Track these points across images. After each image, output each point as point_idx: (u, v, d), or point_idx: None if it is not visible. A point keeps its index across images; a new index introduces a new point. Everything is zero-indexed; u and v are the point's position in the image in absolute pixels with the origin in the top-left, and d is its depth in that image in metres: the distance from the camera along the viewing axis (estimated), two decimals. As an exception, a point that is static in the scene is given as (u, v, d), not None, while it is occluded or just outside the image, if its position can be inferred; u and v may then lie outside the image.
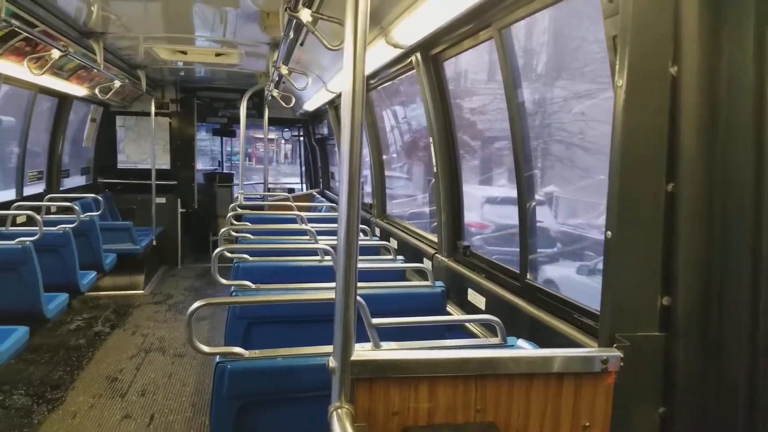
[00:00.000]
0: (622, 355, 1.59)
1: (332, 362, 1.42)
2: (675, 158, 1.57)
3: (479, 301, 3.11)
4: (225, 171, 11.97)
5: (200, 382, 4.94)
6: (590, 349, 1.84)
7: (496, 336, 2.34)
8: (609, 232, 1.63)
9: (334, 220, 5.66)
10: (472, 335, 3.03)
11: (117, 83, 6.06)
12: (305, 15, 3.06)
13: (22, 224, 5.45)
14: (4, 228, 5.10)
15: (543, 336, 2.43)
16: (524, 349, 2.25)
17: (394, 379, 1.51)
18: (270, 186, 9.70)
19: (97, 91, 6.22)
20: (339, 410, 1.37)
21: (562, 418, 1.60)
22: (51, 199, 6.19)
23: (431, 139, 3.78)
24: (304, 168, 10.97)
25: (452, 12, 2.59)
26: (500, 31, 2.73)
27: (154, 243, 8.14)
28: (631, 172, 1.59)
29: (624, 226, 1.61)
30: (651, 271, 1.62)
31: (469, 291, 3.23)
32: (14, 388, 4.63)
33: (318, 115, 8.96)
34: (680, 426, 1.61)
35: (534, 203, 2.93)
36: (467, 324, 3.08)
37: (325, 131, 8.98)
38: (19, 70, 4.82)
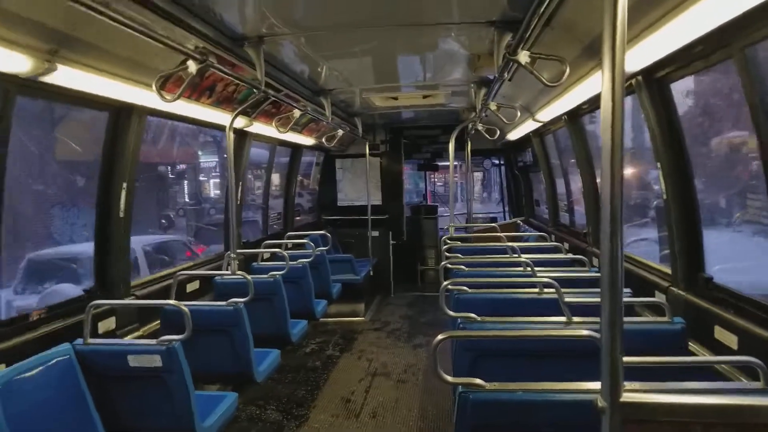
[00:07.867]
0: None
1: (600, 402, 1.44)
2: None
3: (730, 340, 2.84)
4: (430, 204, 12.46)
5: (424, 409, 5.18)
6: None
7: (757, 381, 2.11)
8: None
9: (544, 250, 5.59)
10: (721, 378, 2.77)
11: (340, 132, 6.76)
12: (524, 57, 3.14)
13: (266, 259, 6.31)
14: (255, 263, 5.96)
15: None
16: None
17: (666, 422, 1.48)
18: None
19: (324, 140, 7.00)
20: None
21: None
22: (289, 237, 7.07)
23: (658, 165, 3.59)
24: (506, 197, 11.00)
25: (687, 38, 2.48)
26: (743, 50, 2.54)
27: (371, 273, 8.79)
28: None
29: None
30: None
31: (716, 328, 2.97)
32: (267, 404, 5.31)
33: (519, 144, 8.95)
34: None
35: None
36: (716, 366, 2.83)
37: (528, 159, 8.93)
38: (266, 128, 5.69)
